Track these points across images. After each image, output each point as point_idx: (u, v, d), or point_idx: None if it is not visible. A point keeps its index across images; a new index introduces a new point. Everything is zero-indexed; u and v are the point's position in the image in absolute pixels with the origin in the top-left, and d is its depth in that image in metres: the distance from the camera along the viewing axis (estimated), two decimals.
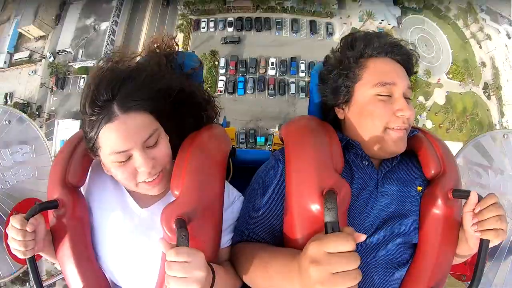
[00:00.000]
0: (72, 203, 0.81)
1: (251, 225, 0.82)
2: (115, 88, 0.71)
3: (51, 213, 0.83)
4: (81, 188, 0.87)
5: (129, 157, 0.72)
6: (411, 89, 0.84)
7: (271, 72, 23.54)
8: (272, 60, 23.68)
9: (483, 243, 0.70)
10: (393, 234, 0.79)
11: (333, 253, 0.54)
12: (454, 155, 0.92)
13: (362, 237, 0.57)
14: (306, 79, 22.48)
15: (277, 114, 22.50)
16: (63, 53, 22.61)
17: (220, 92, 22.69)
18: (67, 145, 0.87)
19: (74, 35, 23.18)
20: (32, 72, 22.28)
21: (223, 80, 23.41)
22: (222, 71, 23.60)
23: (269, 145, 20.75)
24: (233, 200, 0.87)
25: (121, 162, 0.72)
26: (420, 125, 18.62)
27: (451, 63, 23.23)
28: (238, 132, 21.45)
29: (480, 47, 23.96)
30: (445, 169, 0.82)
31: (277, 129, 19.61)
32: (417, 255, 0.81)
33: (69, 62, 22.40)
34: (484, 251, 0.70)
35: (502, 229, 0.69)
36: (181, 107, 0.85)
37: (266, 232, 0.81)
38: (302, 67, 23.30)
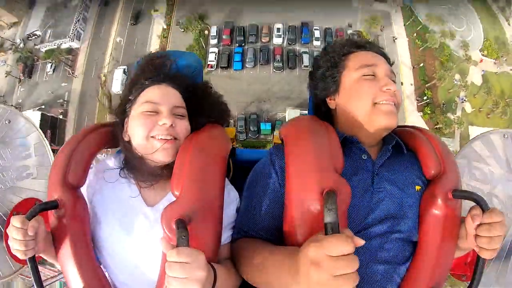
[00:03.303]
0: (72, 203, 0.82)
1: (250, 223, 0.83)
2: (167, 73, 0.96)
3: (51, 213, 0.83)
4: (83, 188, 0.87)
5: (156, 114, 0.84)
6: (394, 74, 0.92)
7: (277, 40, 18.49)
8: (278, 26, 18.65)
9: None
10: (391, 231, 0.80)
11: (333, 256, 0.55)
12: (454, 154, 0.92)
13: (361, 242, 0.58)
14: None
15: (286, 93, 17.33)
16: (33, 37, 20.42)
17: (211, 67, 18.10)
18: (67, 145, 0.87)
19: (44, 15, 20.53)
20: (3, 62, 20.28)
21: (214, 53, 18.58)
22: (213, 41, 18.88)
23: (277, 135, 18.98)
24: (233, 199, 0.89)
25: (148, 112, 0.84)
26: (459, 110, 17.76)
27: (484, 39, 19.96)
28: (236, 117, 17.10)
29: (509, 23, 20.81)
30: (445, 169, 0.82)
31: (287, 114, 16.46)
32: (417, 255, 0.81)
33: (36, 45, 20.06)
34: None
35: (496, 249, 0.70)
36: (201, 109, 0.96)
37: (265, 231, 0.82)
38: (317, 33, 18.65)
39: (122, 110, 0.92)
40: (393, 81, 0.90)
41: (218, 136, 0.91)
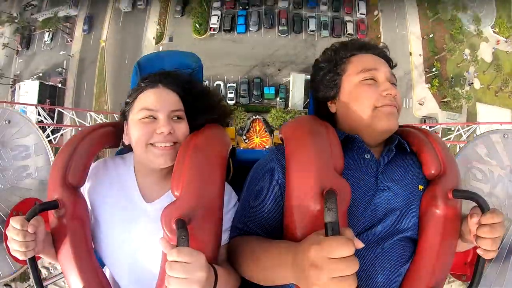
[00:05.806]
0: (72, 203, 0.82)
1: (250, 218, 0.83)
2: (163, 73, 0.94)
3: (51, 214, 0.83)
4: (83, 188, 0.88)
5: (153, 120, 0.84)
6: (395, 77, 0.91)
7: (283, 3, 18.44)
8: None
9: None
10: (395, 231, 0.80)
11: (333, 258, 0.55)
12: (456, 152, 0.92)
13: (361, 244, 0.58)
14: (329, 14, 18.32)
15: (291, 57, 17.36)
16: (30, 7, 20.08)
17: (213, 30, 18.28)
18: (67, 145, 0.87)
19: None
20: (0, 34, 19.94)
21: (217, 16, 18.45)
22: (216, 4, 18.86)
23: (281, 98, 16.97)
24: (232, 204, 0.89)
25: (146, 118, 0.84)
26: (467, 85, 17.54)
27: (496, 16, 18.86)
28: (239, 82, 17.21)
29: None
30: (445, 169, 0.82)
31: (291, 78, 16.41)
32: (418, 254, 0.81)
33: (32, 15, 19.91)
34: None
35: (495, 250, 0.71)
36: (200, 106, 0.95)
37: (264, 227, 0.82)
38: None
39: (122, 112, 0.92)
40: (394, 84, 0.89)
41: (218, 136, 0.91)
